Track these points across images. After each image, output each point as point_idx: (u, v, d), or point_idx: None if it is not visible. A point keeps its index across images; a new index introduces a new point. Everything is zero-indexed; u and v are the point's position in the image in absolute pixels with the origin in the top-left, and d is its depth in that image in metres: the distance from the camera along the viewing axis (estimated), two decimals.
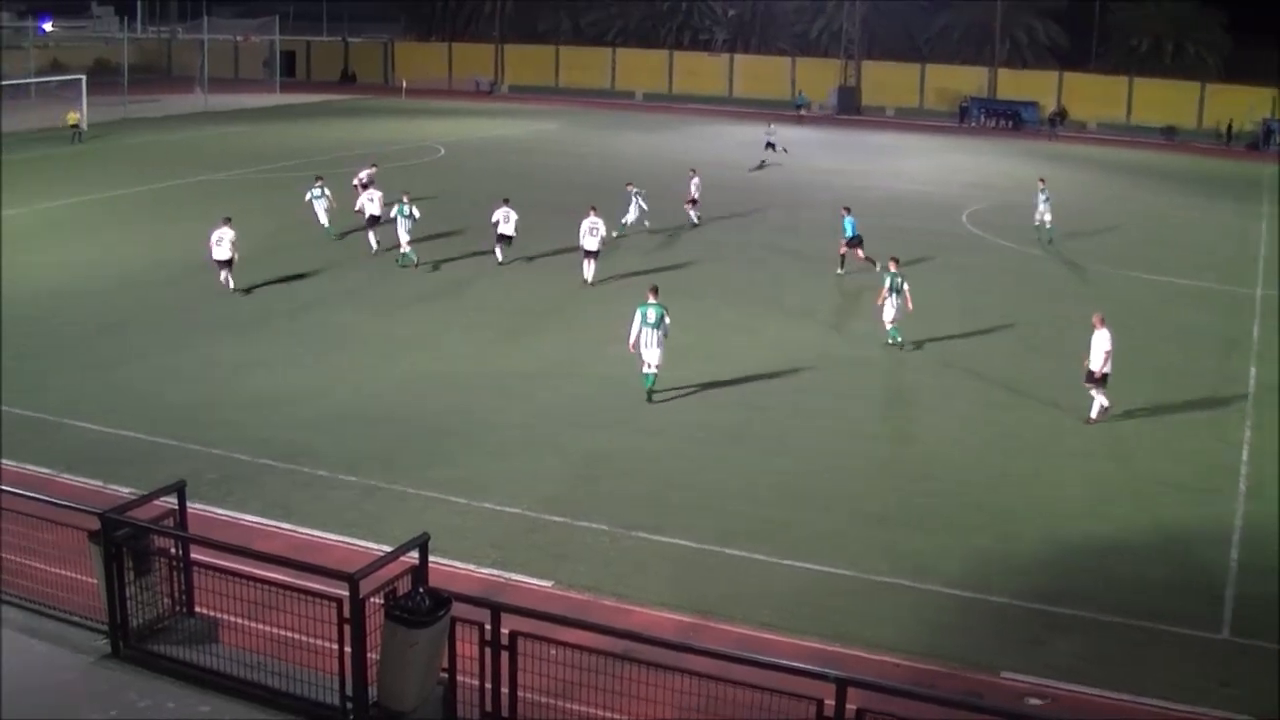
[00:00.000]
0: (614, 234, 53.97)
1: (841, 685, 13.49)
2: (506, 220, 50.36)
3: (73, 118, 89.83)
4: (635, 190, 56.81)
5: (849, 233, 49.90)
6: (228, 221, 45.18)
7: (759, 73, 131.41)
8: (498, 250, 50.91)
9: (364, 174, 58.49)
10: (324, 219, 55.10)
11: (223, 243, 44.72)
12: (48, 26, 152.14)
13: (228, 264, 45.10)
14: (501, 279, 48.26)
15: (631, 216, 56.31)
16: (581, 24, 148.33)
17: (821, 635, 21.58)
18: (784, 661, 15.15)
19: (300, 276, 47.70)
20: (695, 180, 59.85)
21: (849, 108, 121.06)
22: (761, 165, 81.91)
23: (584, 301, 45.28)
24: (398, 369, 36.94)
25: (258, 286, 45.77)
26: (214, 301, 43.68)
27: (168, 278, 46.95)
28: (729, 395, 35.06)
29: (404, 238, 49.93)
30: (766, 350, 39.09)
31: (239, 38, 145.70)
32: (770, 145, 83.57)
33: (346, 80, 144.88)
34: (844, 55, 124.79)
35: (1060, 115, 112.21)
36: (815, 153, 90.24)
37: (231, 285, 45.26)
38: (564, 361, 37.96)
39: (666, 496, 27.81)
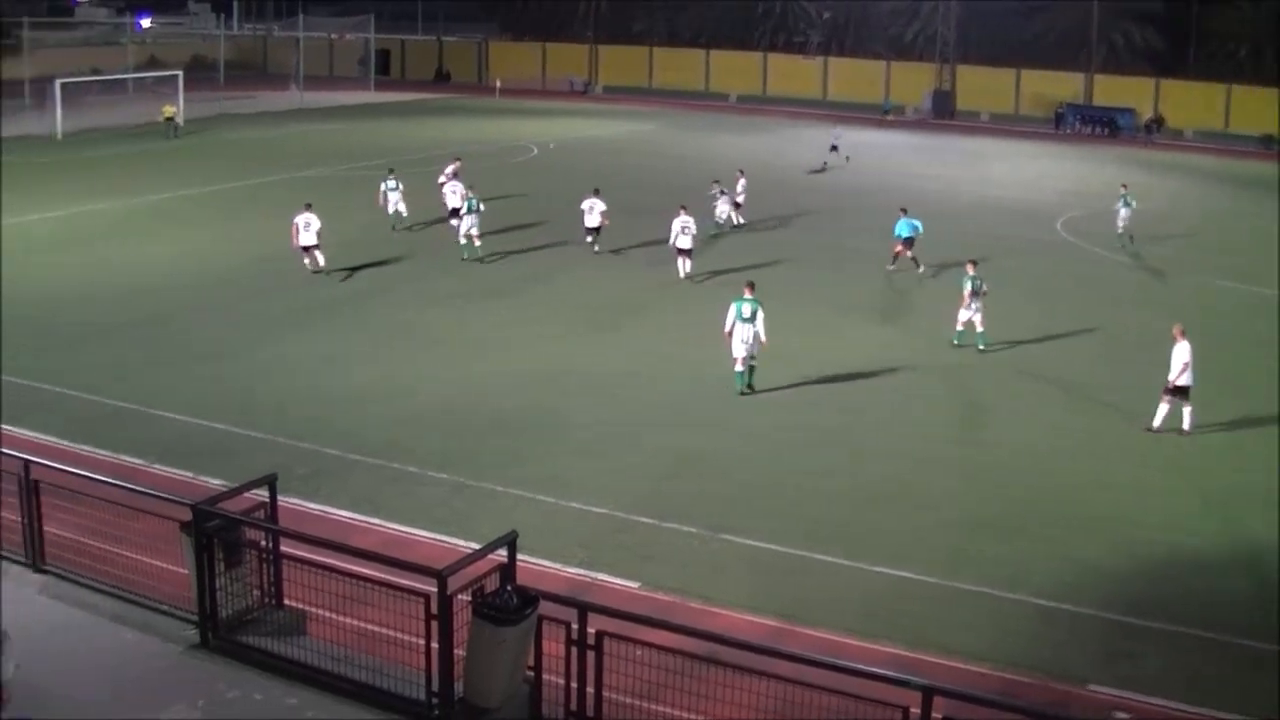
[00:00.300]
0: (711, 234, 54.28)
1: (928, 693, 13.43)
2: (591, 211, 51.81)
3: (169, 110, 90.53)
4: (720, 188, 56.94)
5: (902, 233, 50.11)
6: (309, 207, 46.53)
7: (853, 76, 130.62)
8: (589, 239, 52.20)
9: (449, 168, 59.08)
10: (402, 208, 56.06)
11: (310, 227, 46.18)
12: (145, 23, 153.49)
13: (315, 247, 46.40)
14: (589, 276, 48.49)
15: (724, 212, 56.44)
16: (675, 25, 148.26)
17: (904, 642, 21.35)
18: (869, 668, 15.09)
19: (387, 273, 48.09)
20: (742, 182, 59.80)
21: (943, 112, 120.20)
22: (824, 168, 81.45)
23: (670, 300, 45.30)
24: (485, 364, 37.05)
25: (347, 281, 46.21)
26: (304, 296, 44.01)
27: (260, 272, 47.31)
28: (812, 397, 34.94)
29: (464, 229, 50.67)
30: (849, 353, 38.89)
31: (334, 36, 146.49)
32: (834, 148, 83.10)
33: (441, 79, 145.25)
34: (939, 59, 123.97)
35: (1157, 122, 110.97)
36: (909, 157, 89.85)
37: (322, 263, 46.76)
38: (650, 360, 37.93)
39: (752, 499, 27.69)
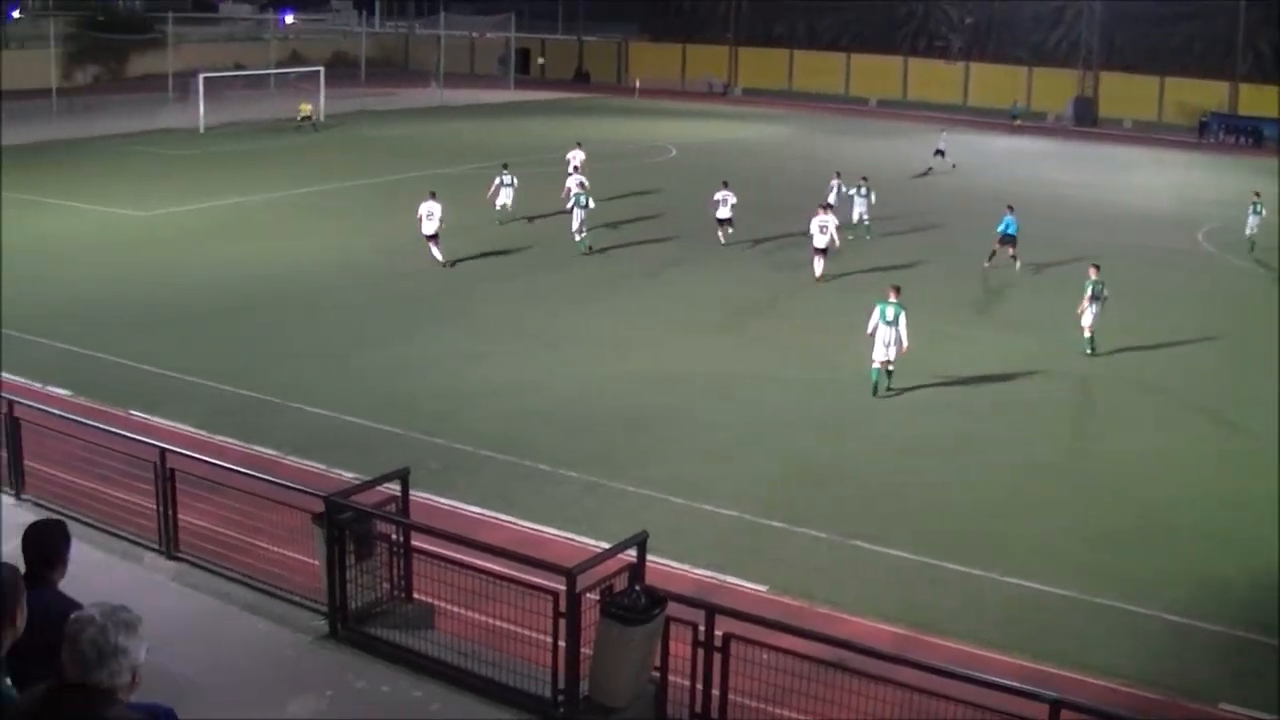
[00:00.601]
0: (849, 236, 54.32)
1: (1055, 706, 13.26)
2: (724, 204, 52.93)
3: (305, 108, 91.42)
4: (859, 187, 57.01)
5: (1007, 230, 51.25)
6: (433, 196, 47.45)
7: (994, 81, 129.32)
8: (719, 233, 53.17)
9: (576, 155, 59.74)
10: (509, 203, 56.83)
11: (433, 216, 47.10)
12: (289, 19, 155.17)
13: (434, 238, 47.25)
14: (720, 276, 48.46)
15: (860, 211, 56.44)
16: (816, 28, 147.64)
17: (1032, 653, 21.04)
18: (997, 679, 14.92)
19: (521, 270, 48.33)
20: (836, 183, 60.01)
21: (1085, 119, 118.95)
22: (928, 172, 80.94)
23: (799, 300, 45.29)
24: (618, 365, 37.06)
25: (479, 277, 46.60)
26: (440, 292, 44.33)
27: (397, 268, 47.66)
28: (939, 403, 34.66)
29: (575, 225, 51.20)
30: (982, 360, 38.50)
31: (475, 34, 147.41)
32: (940, 153, 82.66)
33: (580, 79, 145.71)
34: (1082, 65, 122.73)
35: None
36: (1048, 165, 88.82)
37: (440, 258, 47.42)
38: (785, 363, 37.71)
39: (884, 505, 27.46)
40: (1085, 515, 27.42)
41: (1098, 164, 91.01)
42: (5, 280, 40.91)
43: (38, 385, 32.28)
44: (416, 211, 47.53)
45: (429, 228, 47.08)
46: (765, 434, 31.62)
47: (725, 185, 53.75)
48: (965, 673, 14.65)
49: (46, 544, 10.96)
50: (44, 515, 18.97)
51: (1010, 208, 51.78)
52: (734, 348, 39.08)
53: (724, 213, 53.30)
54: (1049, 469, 30.20)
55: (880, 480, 28.94)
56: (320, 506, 16.88)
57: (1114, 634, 22.25)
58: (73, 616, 7.90)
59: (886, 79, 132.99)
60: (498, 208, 56.17)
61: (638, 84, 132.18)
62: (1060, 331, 40.54)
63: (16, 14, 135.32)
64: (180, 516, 19.49)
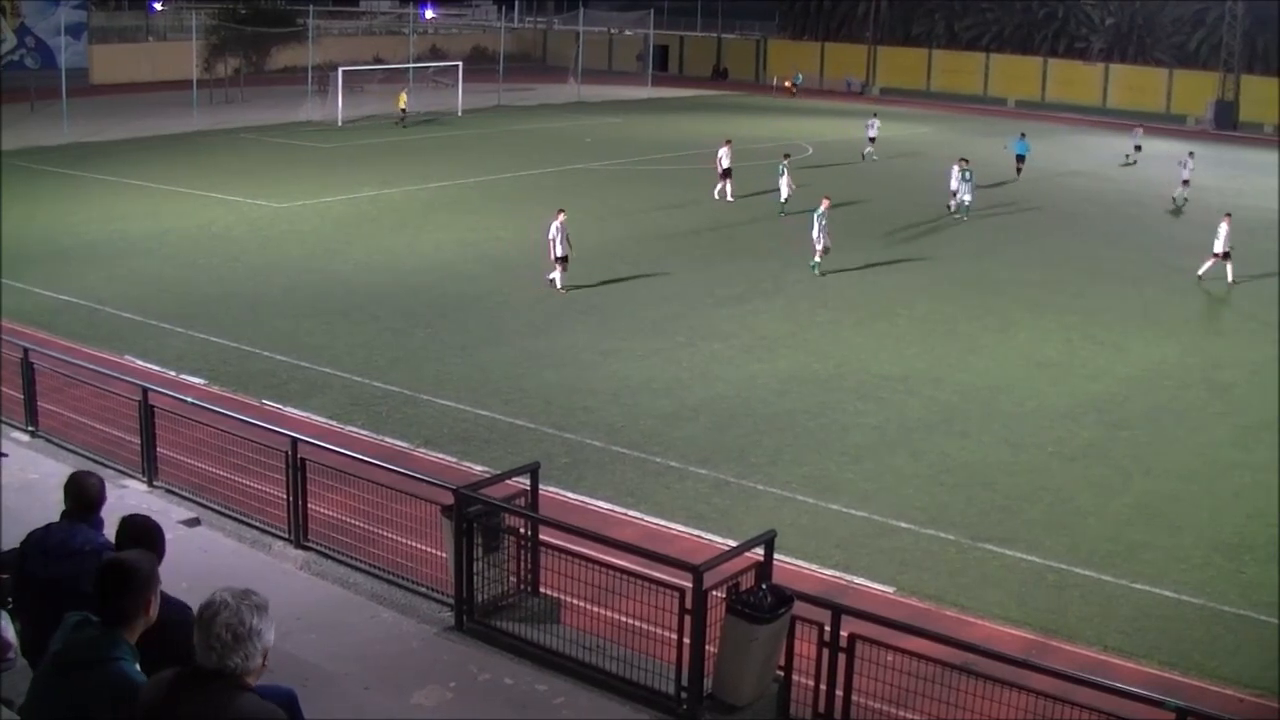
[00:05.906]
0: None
1: (1182, 715, 13.10)
2: (952, 176, 60.29)
3: (401, 100, 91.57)
4: (963, 171, 60.23)
5: (1019, 150, 71.72)
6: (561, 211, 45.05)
7: (1134, 83, 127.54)
8: (951, 202, 60.69)
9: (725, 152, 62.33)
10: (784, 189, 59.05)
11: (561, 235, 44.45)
12: (429, 14, 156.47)
13: (564, 260, 44.26)
14: (866, 277, 47.82)
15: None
16: (956, 28, 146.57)
17: (1162, 662, 20.84)
18: (1124, 686, 14.75)
19: (663, 267, 48.12)
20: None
21: (1225, 123, 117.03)
22: (1132, 163, 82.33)
23: (944, 302, 44.57)
24: (756, 364, 36.82)
25: (619, 275, 46.41)
26: (575, 288, 44.16)
27: (533, 262, 47.43)
28: (1083, 410, 34.01)
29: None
30: (1130, 367, 37.94)
31: (614, 31, 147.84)
32: (1138, 148, 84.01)
33: (718, 76, 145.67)
34: (1223, 69, 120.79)
35: None
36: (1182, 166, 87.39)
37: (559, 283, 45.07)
38: (925, 366, 37.24)
39: (1018, 510, 27.17)
40: (1223, 525, 26.94)
41: (1237, 167, 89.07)
42: (143, 271, 41.51)
43: (172, 373, 32.81)
44: (548, 232, 44.02)
45: (560, 249, 43.68)
46: (901, 438, 31.33)
47: (966, 161, 60.96)
48: (1092, 679, 14.51)
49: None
50: (175, 503, 19.31)
51: (1023, 134, 73.81)
52: (874, 351, 38.50)
53: (955, 184, 60.34)
54: (1185, 477, 29.71)
55: (1013, 485, 28.58)
56: (449, 499, 16.94)
57: (1244, 644, 21.92)
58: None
59: (1025, 80, 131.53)
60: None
61: (775, 82, 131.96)
62: (1204, 339, 40.02)
63: (159, 6, 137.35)
64: (310, 506, 19.72)
